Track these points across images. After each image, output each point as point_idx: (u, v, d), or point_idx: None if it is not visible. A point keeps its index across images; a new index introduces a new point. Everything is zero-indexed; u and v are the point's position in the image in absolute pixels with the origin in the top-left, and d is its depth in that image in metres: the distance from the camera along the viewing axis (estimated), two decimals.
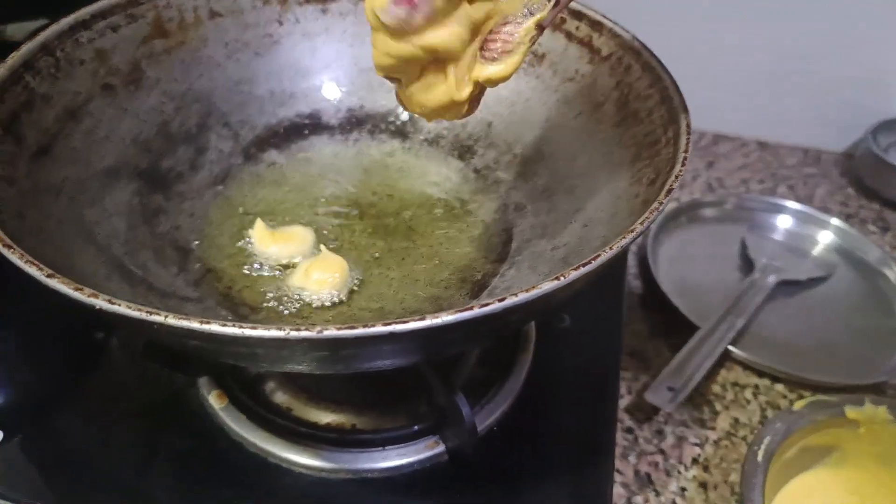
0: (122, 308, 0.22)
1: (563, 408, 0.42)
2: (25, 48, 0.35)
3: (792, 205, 0.69)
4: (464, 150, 0.48)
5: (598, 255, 0.24)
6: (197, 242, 0.40)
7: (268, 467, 0.37)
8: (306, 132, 0.49)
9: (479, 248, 0.42)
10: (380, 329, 0.22)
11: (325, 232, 0.43)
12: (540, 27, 0.28)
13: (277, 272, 0.39)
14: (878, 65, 0.73)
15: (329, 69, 0.49)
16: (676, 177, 0.28)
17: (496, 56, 0.28)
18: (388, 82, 0.49)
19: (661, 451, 0.48)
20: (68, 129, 0.36)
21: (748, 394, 0.53)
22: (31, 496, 0.35)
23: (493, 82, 0.29)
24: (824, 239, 0.67)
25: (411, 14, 0.26)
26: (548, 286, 0.23)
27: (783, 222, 0.68)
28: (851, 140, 0.80)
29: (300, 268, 0.39)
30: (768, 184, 0.76)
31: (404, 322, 0.22)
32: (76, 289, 0.23)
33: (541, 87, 0.46)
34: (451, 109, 0.30)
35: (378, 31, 0.27)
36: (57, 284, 0.23)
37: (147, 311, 0.22)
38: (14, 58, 0.34)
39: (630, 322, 0.58)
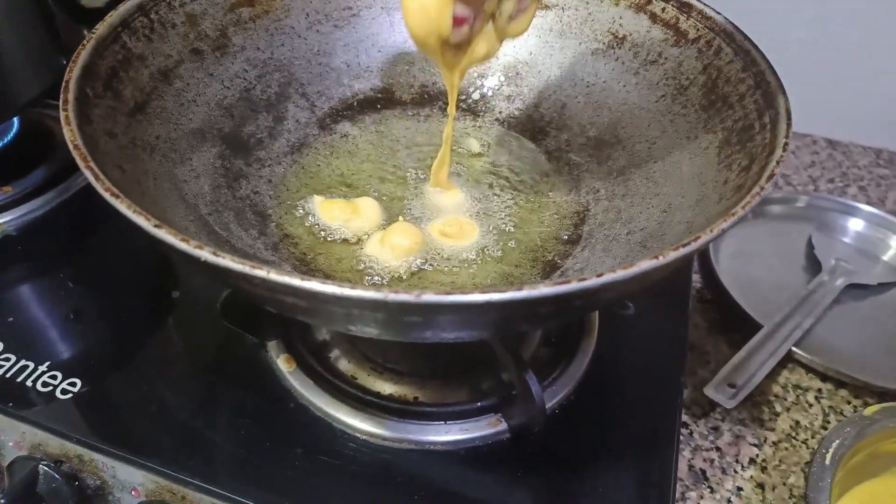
0: (227, 261, 0.23)
1: (625, 395, 0.42)
2: (123, 8, 0.36)
3: (863, 207, 0.66)
4: (536, 131, 0.48)
5: (699, 237, 0.24)
6: (274, 208, 0.41)
7: (333, 431, 0.38)
8: (379, 106, 0.49)
9: (551, 228, 0.41)
10: (477, 297, 0.22)
11: (398, 203, 0.43)
12: None
13: (351, 240, 0.40)
14: None
15: (405, 44, 0.49)
16: (778, 162, 0.27)
17: (514, 16, 0.34)
18: None
19: (717, 449, 0.47)
20: (161, 90, 0.37)
21: (810, 397, 0.51)
22: (107, 443, 0.37)
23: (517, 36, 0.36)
24: (895, 243, 0.64)
25: (471, 27, 0.32)
26: (646, 264, 0.23)
27: (854, 224, 0.66)
28: None
29: (375, 236, 0.39)
30: (838, 183, 0.73)
31: (501, 291, 0.22)
32: (183, 239, 0.23)
33: (620, 69, 0.45)
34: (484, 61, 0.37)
35: (436, 51, 0.33)
36: (164, 234, 0.23)
37: (251, 266, 0.22)
38: (112, 16, 0.35)
39: (690, 314, 0.57)
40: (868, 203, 0.68)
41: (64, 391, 0.39)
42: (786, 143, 0.28)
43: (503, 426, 0.38)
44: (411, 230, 0.38)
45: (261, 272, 0.22)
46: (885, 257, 0.63)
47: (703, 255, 0.61)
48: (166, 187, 0.33)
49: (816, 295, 0.57)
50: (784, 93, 0.32)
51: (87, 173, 0.25)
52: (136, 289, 0.46)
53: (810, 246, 0.63)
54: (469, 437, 0.37)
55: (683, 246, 0.23)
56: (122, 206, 0.24)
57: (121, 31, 0.35)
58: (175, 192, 0.34)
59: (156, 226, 0.23)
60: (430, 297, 0.21)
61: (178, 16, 0.39)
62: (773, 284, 0.59)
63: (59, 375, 0.39)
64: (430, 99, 0.50)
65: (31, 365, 0.40)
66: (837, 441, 0.41)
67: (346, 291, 0.22)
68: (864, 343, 0.55)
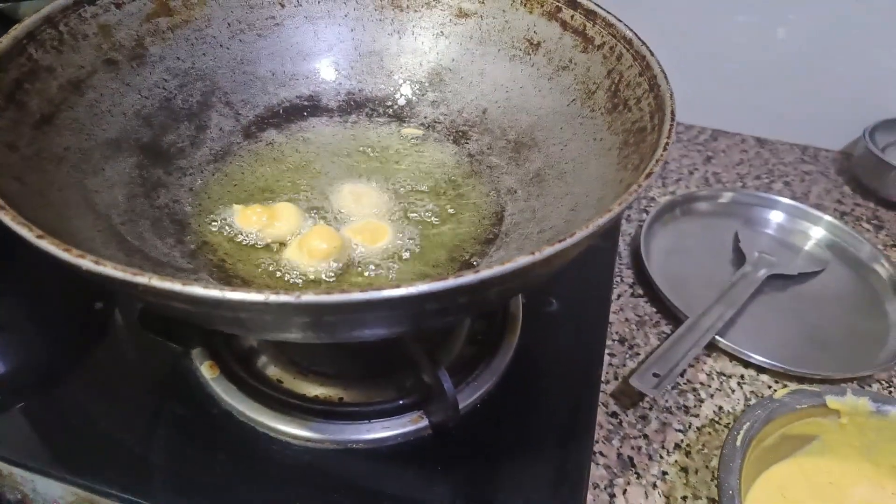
0: (108, 269, 0.23)
1: (546, 388, 0.43)
2: (29, 20, 0.36)
3: (785, 200, 0.69)
4: (459, 136, 0.49)
5: (574, 234, 0.25)
6: (194, 216, 0.41)
7: (256, 435, 0.38)
8: (305, 113, 0.50)
9: (469, 229, 0.43)
10: (357, 296, 0.22)
11: (319, 209, 0.44)
12: None
13: (271, 245, 0.40)
14: (876, 65, 0.74)
15: (330, 52, 0.50)
16: (657, 161, 0.29)
17: None
18: (386, 67, 0.50)
19: (645, 436, 0.49)
20: (72, 101, 0.37)
21: (733, 383, 0.54)
22: (34, 460, 0.36)
23: None
24: (817, 235, 0.67)
25: None
26: (523, 260, 0.24)
27: (777, 217, 0.69)
28: (849, 139, 0.80)
29: (294, 241, 0.40)
30: (765, 180, 0.77)
31: (380, 289, 0.23)
32: (64, 249, 0.23)
33: (535, 75, 0.46)
34: None
35: None
36: (47, 245, 0.24)
37: (132, 273, 0.23)
38: (17, 29, 0.35)
39: (621, 310, 0.59)
40: (793, 198, 0.71)
41: None
42: (667, 143, 0.30)
43: (424, 423, 0.39)
44: (329, 233, 0.39)
45: (142, 279, 0.22)
46: (807, 247, 0.66)
47: (636, 251, 0.63)
48: (74, 198, 0.34)
49: (739, 286, 0.60)
50: (671, 97, 0.34)
51: None
52: (57, 301, 0.46)
53: (736, 240, 0.66)
54: (391, 434, 0.38)
55: (559, 241, 0.25)
56: (6, 217, 0.24)
57: (26, 43, 0.35)
58: (83, 203, 0.34)
59: (38, 236, 0.24)
60: (309, 297, 0.22)
61: (90, 27, 0.39)
62: (701, 278, 0.62)
63: None
64: (357, 105, 0.51)
65: None
66: (748, 423, 0.43)
67: (227, 295, 0.22)
68: (785, 331, 0.58)
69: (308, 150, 0.48)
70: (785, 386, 0.53)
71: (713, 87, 0.80)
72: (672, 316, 0.58)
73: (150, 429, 0.38)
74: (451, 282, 0.23)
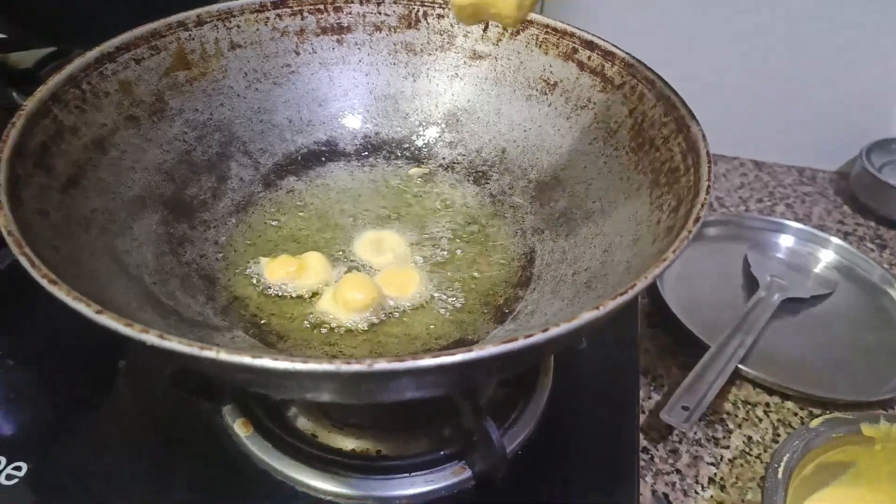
0: (174, 343, 0.22)
1: (585, 430, 0.42)
2: (52, 81, 0.35)
3: (792, 224, 0.70)
4: (479, 176, 0.49)
5: (634, 285, 0.25)
6: (222, 270, 0.40)
7: (296, 496, 0.37)
8: (324, 159, 0.50)
9: (499, 272, 0.42)
10: (433, 361, 0.22)
11: (345, 257, 0.43)
12: None
13: (303, 297, 0.40)
14: (870, 86, 0.76)
15: (346, 97, 0.50)
16: (702, 205, 0.29)
17: None
18: (402, 110, 0.50)
19: (678, 471, 0.49)
20: (95, 160, 0.36)
21: (759, 412, 0.54)
22: None
23: None
24: (825, 257, 0.68)
25: None
26: (588, 315, 0.24)
27: (784, 241, 0.70)
28: (845, 159, 0.82)
29: (327, 292, 0.39)
30: (767, 203, 0.78)
31: (452, 354, 0.22)
32: (126, 324, 0.23)
33: (553, 115, 0.47)
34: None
35: None
36: (107, 320, 0.23)
37: (199, 347, 0.22)
38: (42, 91, 0.35)
39: (639, 341, 0.59)
40: (795, 219, 0.72)
41: (9, 476, 0.37)
42: (708, 187, 0.30)
43: (467, 473, 0.38)
44: (365, 283, 0.38)
45: (210, 353, 0.22)
46: (816, 270, 0.67)
47: None
48: (105, 262, 0.33)
49: (756, 312, 0.60)
50: (704, 137, 0.34)
51: (23, 260, 0.25)
52: (80, 359, 0.44)
53: (746, 264, 0.66)
54: (434, 487, 0.37)
55: (621, 295, 0.25)
56: (61, 294, 0.24)
57: (51, 104, 0.35)
58: (115, 266, 0.33)
59: (97, 311, 0.23)
60: (382, 365, 0.22)
61: (111, 84, 0.39)
62: (715, 304, 0.62)
63: (3, 460, 0.37)
64: (374, 148, 0.51)
65: None
66: (787, 455, 0.43)
67: (299, 366, 0.22)
68: (804, 355, 0.58)
69: (328, 197, 0.48)
70: (811, 412, 0.53)
71: (707, 111, 0.81)
72: (691, 344, 0.58)
73: (187, 491, 0.37)
74: (527, 341, 0.22)
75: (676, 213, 0.32)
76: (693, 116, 0.36)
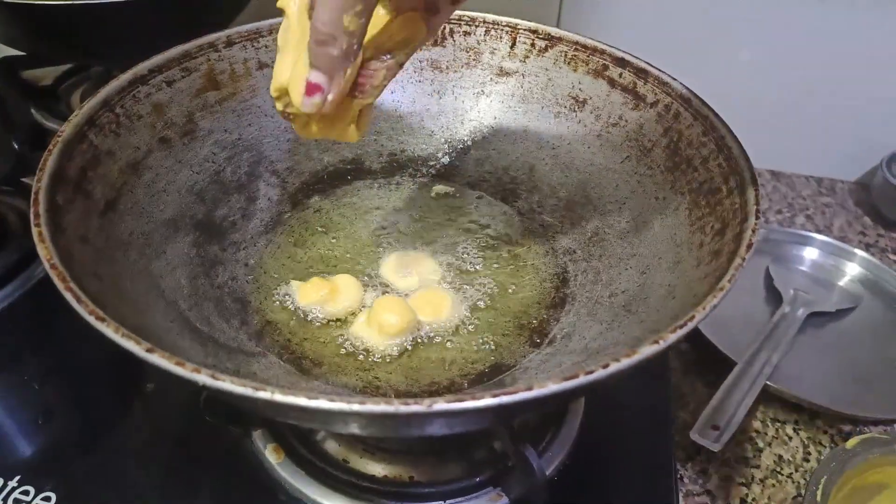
0: (227, 384, 0.22)
1: (619, 454, 0.42)
2: (87, 105, 0.35)
3: (816, 236, 0.70)
4: (507, 194, 0.49)
5: (693, 317, 0.25)
6: (253, 293, 0.40)
7: None
8: (349, 177, 0.49)
9: (532, 293, 0.42)
10: (489, 401, 0.22)
11: (375, 279, 0.43)
12: (400, 65, 0.31)
13: (335, 321, 0.39)
14: (890, 95, 0.75)
15: (372, 114, 0.49)
16: (753, 230, 0.29)
17: (366, 91, 0.31)
18: (427, 127, 0.49)
19: (708, 492, 0.48)
20: (131, 184, 0.36)
21: (789, 430, 0.53)
22: None
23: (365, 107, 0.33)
24: (848, 269, 0.67)
25: (324, 99, 0.28)
26: (648, 350, 0.24)
27: (808, 253, 0.69)
28: (864, 169, 0.82)
29: (360, 316, 0.39)
30: (786, 214, 0.77)
31: (513, 393, 0.22)
32: (177, 363, 0.22)
33: (583, 132, 0.46)
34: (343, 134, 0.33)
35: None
36: (158, 360, 0.22)
37: (253, 387, 0.22)
38: (77, 115, 0.34)
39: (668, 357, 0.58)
40: (816, 231, 0.71)
41: None
42: (758, 211, 0.30)
43: (504, 501, 0.37)
44: (400, 307, 0.38)
45: (265, 394, 0.21)
46: (841, 283, 0.66)
47: None
48: (143, 287, 0.32)
49: (781, 327, 0.59)
50: (747, 158, 0.34)
51: (69, 296, 0.24)
52: (108, 383, 0.44)
53: (769, 277, 0.66)
54: None
55: (680, 328, 0.24)
56: (109, 331, 0.23)
57: (87, 129, 0.34)
58: (153, 291, 0.33)
59: (148, 350, 0.23)
60: (441, 405, 0.21)
61: (144, 107, 0.38)
62: (738, 318, 0.61)
63: (32, 490, 0.37)
64: (400, 166, 0.51)
65: (0, 481, 0.37)
66: (825, 477, 0.42)
67: (356, 407, 0.21)
68: (830, 371, 0.57)
69: (355, 216, 0.47)
70: (840, 430, 0.53)
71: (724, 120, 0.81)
72: (715, 360, 0.57)
73: None
74: (588, 377, 0.22)
75: (722, 237, 0.32)
76: (734, 136, 0.35)
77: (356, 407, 0.21)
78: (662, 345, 0.24)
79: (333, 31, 0.26)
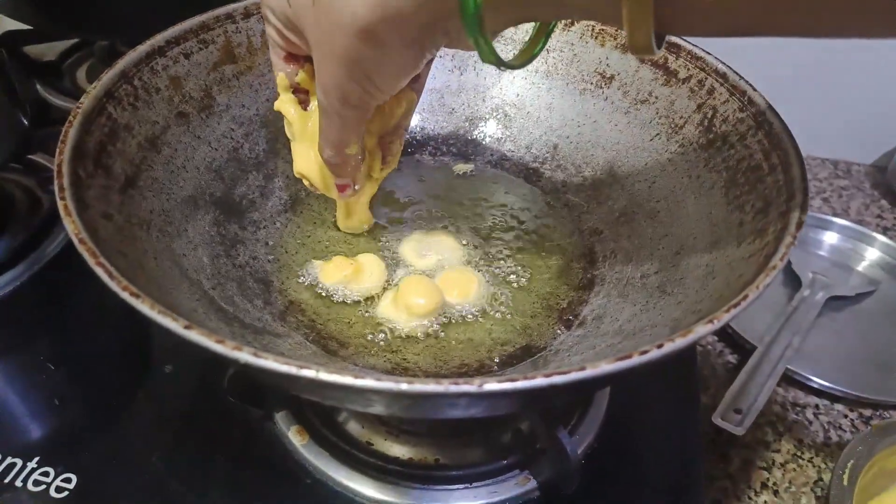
0: (270, 362, 0.21)
1: (647, 436, 0.41)
2: (106, 77, 0.34)
3: (835, 220, 0.69)
4: (530, 173, 0.48)
5: (747, 296, 0.24)
6: (275, 273, 0.39)
7: None
8: None
9: (559, 274, 0.41)
10: (541, 381, 0.21)
11: (398, 258, 0.42)
12: (406, 129, 0.39)
13: (360, 301, 0.38)
14: None
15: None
16: (802, 208, 0.28)
17: (388, 161, 0.40)
18: (448, 104, 0.48)
19: (729, 476, 0.48)
20: (150, 160, 0.35)
21: (809, 414, 0.53)
22: None
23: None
24: (867, 253, 0.67)
25: (354, 190, 0.38)
26: (702, 329, 0.23)
27: (827, 237, 0.68)
28: (881, 152, 0.81)
29: (386, 296, 0.38)
30: None
31: (566, 373, 0.21)
32: (217, 341, 0.21)
33: (609, 109, 0.45)
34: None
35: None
36: (197, 336, 0.21)
37: (298, 366, 0.21)
38: (96, 87, 0.33)
39: None
40: (833, 214, 0.71)
41: (59, 489, 0.36)
42: (805, 188, 0.29)
43: (532, 484, 0.37)
44: (427, 287, 0.37)
45: (309, 372, 0.20)
46: (860, 268, 0.66)
47: None
48: (167, 265, 0.31)
49: (800, 311, 0.59)
50: (790, 134, 0.33)
51: (99, 271, 0.23)
52: (125, 365, 0.43)
53: (787, 261, 0.65)
54: (499, 499, 0.36)
55: (734, 306, 0.23)
56: (145, 307, 0.22)
57: (105, 101, 0.33)
58: (176, 269, 0.32)
59: (186, 327, 0.22)
60: (493, 386, 0.20)
61: (162, 80, 0.37)
62: (757, 303, 0.60)
63: (52, 472, 0.36)
64: (419, 144, 0.49)
65: (20, 462, 0.36)
66: (852, 461, 0.42)
67: (404, 387, 0.20)
68: (850, 355, 0.57)
69: (376, 193, 0.46)
70: (861, 414, 0.52)
71: None
72: (734, 344, 0.57)
73: (243, 503, 0.36)
74: (642, 357, 0.21)
75: (766, 216, 0.31)
76: (774, 111, 0.34)
77: (405, 387, 0.20)
78: (717, 324, 0.23)
79: (340, 161, 0.34)
